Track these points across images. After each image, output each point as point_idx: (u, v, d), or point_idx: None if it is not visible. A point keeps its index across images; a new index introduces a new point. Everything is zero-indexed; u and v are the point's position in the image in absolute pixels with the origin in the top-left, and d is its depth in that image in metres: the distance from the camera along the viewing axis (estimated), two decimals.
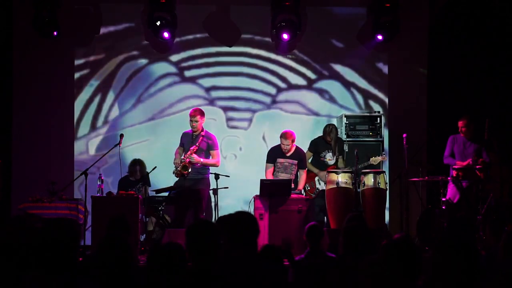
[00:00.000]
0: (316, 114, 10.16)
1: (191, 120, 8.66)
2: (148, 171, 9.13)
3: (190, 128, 8.72)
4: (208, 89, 10.16)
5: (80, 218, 8.29)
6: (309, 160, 9.17)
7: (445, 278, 2.96)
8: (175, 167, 8.64)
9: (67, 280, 3.26)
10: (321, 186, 9.01)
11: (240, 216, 3.90)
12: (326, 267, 4.72)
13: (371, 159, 8.95)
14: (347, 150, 9.34)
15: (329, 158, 9.09)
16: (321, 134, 9.20)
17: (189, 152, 8.55)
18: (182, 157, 8.60)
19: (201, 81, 10.15)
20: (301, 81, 10.18)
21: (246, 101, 10.18)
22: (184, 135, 8.84)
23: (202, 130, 8.68)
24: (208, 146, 8.65)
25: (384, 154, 9.22)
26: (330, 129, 9.08)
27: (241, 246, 3.76)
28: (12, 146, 9.86)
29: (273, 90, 10.20)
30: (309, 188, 9.09)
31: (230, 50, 10.17)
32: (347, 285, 4.21)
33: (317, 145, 9.14)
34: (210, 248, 3.64)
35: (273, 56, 10.16)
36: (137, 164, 9.38)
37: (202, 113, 8.69)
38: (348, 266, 4.32)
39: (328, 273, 4.48)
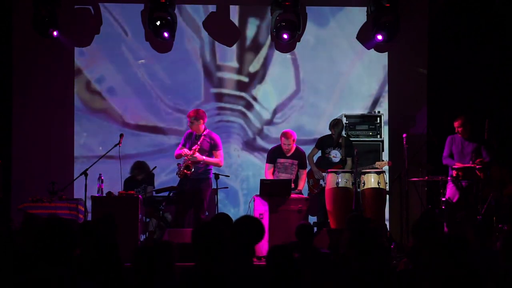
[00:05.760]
0: (316, 114, 10.14)
1: (188, 122, 8.69)
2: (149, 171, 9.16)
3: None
4: (208, 88, 10.17)
5: (80, 218, 8.30)
6: (315, 157, 9.14)
7: (443, 277, 2.93)
8: (178, 167, 8.64)
9: (66, 278, 3.26)
10: (324, 182, 8.87)
11: (246, 221, 3.92)
12: (320, 263, 4.71)
13: (376, 163, 8.91)
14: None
15: (334, 155, 9.02)
16: (324, 134, 9.18)
17: (191, 151, 8.55)
18: (185, 157, 8.60)
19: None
20: (301, 81, 10.16)
21: (244, 101, 10.16)
22: (187, 135, 8.84)
23: (204, 130, 8.68)
24: (210, 147, 8.65)
25: (389, 160, 9.21)
26: (335, 122, 9.04)
27: (242, 248, 3.77)
28: (12, 146, 9.85)
29: (272, 90, 10.18)
30: (312, 183, 9.04)
31: (230, 49, 10.16)
32: (349, 284, 4.21)
33: (323, 142, 9.08)
34: (215, 248, 3.64)
35: (272, 56, 10.15)
36: (136, 168, 9.41)
37: (198, 116, 8.65)
38: (349, 266, 4.32)
39: (324, 270, 4.47)
